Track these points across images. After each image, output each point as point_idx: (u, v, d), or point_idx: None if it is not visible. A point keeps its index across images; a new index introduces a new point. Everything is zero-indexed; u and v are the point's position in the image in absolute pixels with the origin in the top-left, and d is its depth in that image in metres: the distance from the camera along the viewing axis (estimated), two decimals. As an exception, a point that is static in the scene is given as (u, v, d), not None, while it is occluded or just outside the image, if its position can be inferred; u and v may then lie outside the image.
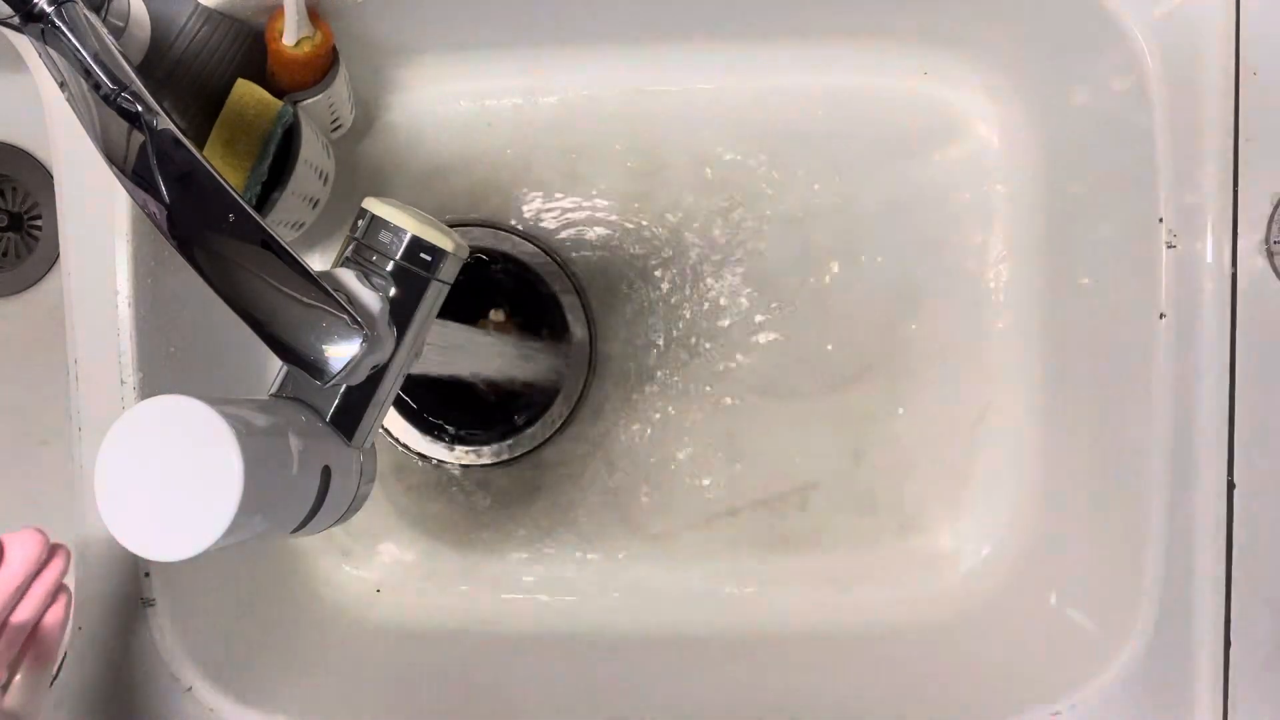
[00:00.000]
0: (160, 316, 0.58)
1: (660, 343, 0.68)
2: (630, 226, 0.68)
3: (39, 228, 0.76)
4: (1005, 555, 0.66)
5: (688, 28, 0.66)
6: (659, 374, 0.69)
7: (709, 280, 0.68)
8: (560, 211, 0.69)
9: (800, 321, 0.68)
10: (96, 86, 0.42)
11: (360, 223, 0.49)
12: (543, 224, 0.69)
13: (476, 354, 0.64)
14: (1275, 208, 0.52)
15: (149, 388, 0.57)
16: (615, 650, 0.66)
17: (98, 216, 0.56)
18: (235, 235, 0.43)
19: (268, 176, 0.56)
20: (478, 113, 0.69)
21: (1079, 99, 0.61)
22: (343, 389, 0.48)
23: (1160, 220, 0.54)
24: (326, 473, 0.47)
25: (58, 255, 0.66)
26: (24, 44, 0.44)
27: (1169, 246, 0.53)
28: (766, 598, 0.68)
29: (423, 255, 0.48)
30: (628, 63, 0.68)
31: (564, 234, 0.69)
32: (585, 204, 0.68)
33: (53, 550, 0.47)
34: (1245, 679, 0.51)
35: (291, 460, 0.44)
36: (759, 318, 0.68)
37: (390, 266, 0.48)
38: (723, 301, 0.68)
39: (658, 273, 0.68)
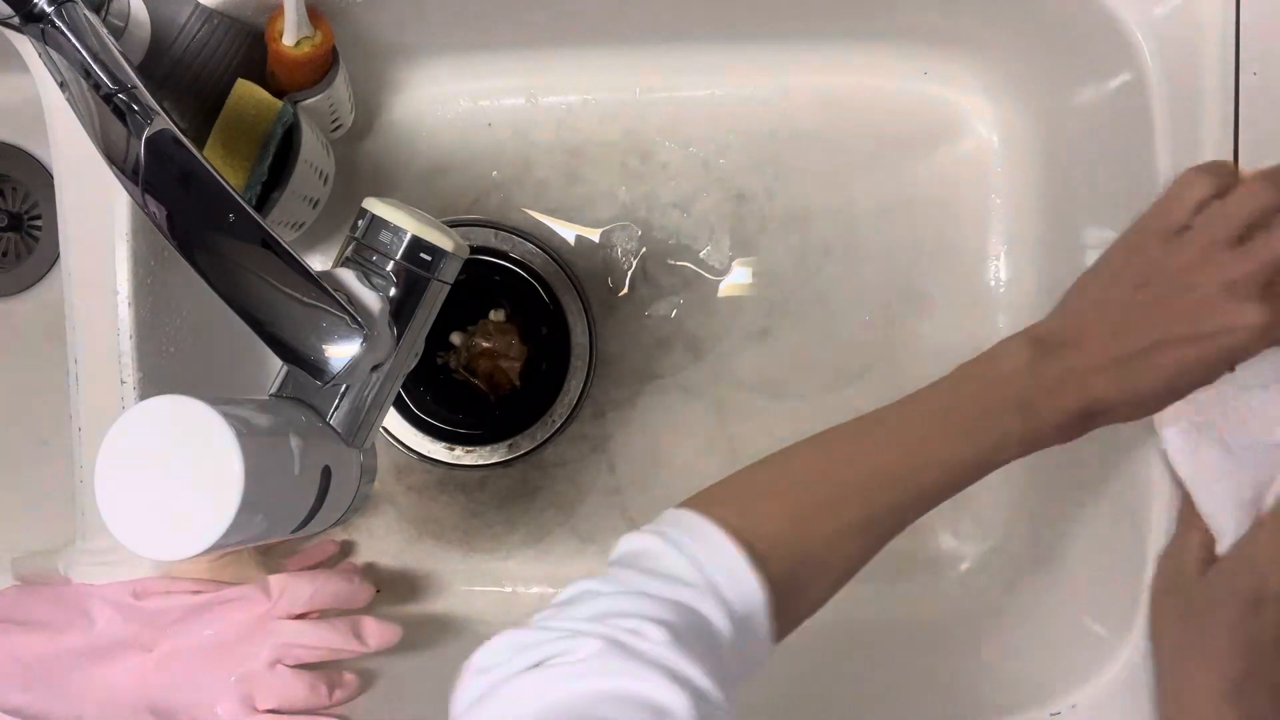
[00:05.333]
0: (160, 316, 0.58)
1: (660, 343, 0.68)
2: (630, 226, 0.68)
3: (39, 228, 0.76)
4: (1005, 555, 0.66)
5: (688, 28, 0.66)
6: (659, 374, 0.69)
7: (709, 280, 0.68)
8: (560, 211, 0.69)
9: (800, 321, 0.68)
10: (96, 86, 0.42)
11: (360, 223, 0.49)
12: (543, 224, 0.69)
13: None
14: (1275, 208, 0.52)
15: (149, 388, 0.57)
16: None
17: (98, 216, 0.56)
18: (235, 235, 0.43)
19: (268, 176, 0.56)
20: (478, 113, 0.69)
21: (1079, 99, 0.61)
22: (343, 389, 0.48)
23: (1160, 220, 0.53)
24: (326, 473, 0.47)
25: (58, 255, 0.66)
26: (24, 44, 0.44)
27: (1169, 246, 0.53)
28: (766, 598, 0.68)
29: (423, 255, 0.48)
30: (628, 63, 0.68)
31: (564, 233, 0.69)
32: (585, 204, 0.68)
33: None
34: (1245, 679, 0.50)
35: (291, 460, 0.44)
36: (759, 317, 0.68)
37: (390, 266, 0.48)
38: (723, 301, 0.68)
39: (658, 273, 0.68)
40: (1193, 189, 0.44)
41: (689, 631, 0.36)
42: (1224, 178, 0.45)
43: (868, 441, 0.44)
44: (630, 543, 0.41)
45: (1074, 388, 0.43)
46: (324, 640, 0.55)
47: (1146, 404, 0.44)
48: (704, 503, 0.43)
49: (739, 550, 0.39)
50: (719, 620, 0.38)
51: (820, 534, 0.42)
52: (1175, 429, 0.49)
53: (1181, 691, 0.47)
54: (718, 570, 0.39)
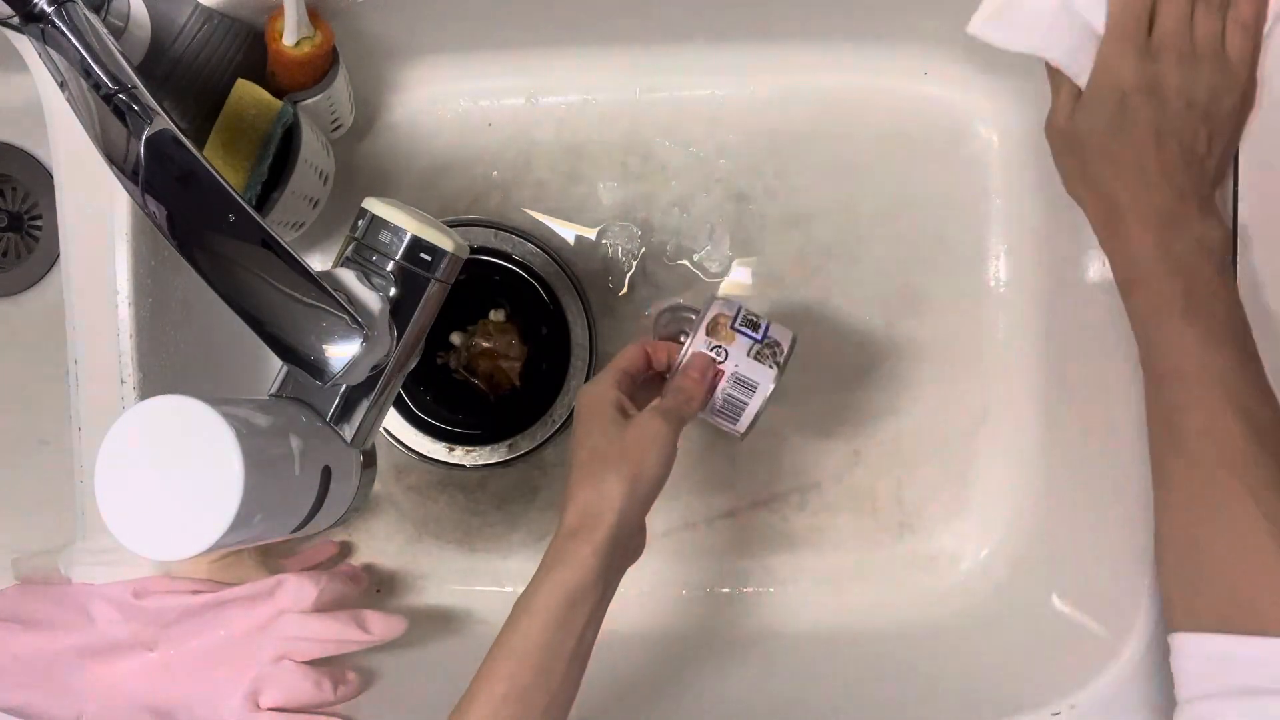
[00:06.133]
0: (160, 316, 0.58)
1: (660, 343, 0.68)
2: (630, 226, 0.68)
3: (39, 228, 0.76)
4: (1005, 555, 0.66)
5: (688, 28, 0.66)
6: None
7: (709, 280, 0.68)
8: (560, 211, 0.69)
9: (800, 321, 0.68)
10: (96, 86, 0.42)
11: (360, 222, 0.49)
12: (543, 224, 0.69)
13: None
14: (1275, 207, 0.52)
15: (149, 388, 0.57)
16: (613, 650, 0.66)
17: (98, 216, 0.56)
18: (235, 235, 0.43)
19: (268, 176, 0.56)
20: (478, 113, 0.69)
21: (1079, 99, 0.61)
22: (343, 389, 0.48)
23: (1160, 220, 0.53)
24: (326, 473, 0.47)
25: (58, 255, 0.66)
26: (24, 44, 0.44)
27: (1169, 246, 0.53)
28: (766, 598, 0.68)
29: (423, 255, 0.48)
30: (628, 63, 0.68)
31: (564, 233, 0.69)
32: (585, 203, 0.68)
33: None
34: (1245, 679, 0.50)
35: (292, 460, 0.44)
36: (759, 318, 0.68)
37: (390, 266, 0.48)
38: (723, 301, 0.68)
39: (658, 272, 0.68)
40: None
41: None
42: None
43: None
44: None
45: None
46: (329, 632, 0.55)
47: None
48: None
49: None
50: None
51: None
52: (983, 24, 0.50)
53: (1114, 225, 0.49)
54: None
